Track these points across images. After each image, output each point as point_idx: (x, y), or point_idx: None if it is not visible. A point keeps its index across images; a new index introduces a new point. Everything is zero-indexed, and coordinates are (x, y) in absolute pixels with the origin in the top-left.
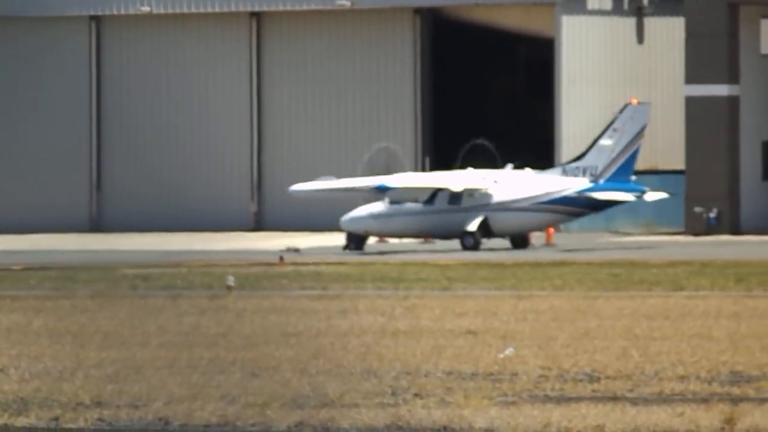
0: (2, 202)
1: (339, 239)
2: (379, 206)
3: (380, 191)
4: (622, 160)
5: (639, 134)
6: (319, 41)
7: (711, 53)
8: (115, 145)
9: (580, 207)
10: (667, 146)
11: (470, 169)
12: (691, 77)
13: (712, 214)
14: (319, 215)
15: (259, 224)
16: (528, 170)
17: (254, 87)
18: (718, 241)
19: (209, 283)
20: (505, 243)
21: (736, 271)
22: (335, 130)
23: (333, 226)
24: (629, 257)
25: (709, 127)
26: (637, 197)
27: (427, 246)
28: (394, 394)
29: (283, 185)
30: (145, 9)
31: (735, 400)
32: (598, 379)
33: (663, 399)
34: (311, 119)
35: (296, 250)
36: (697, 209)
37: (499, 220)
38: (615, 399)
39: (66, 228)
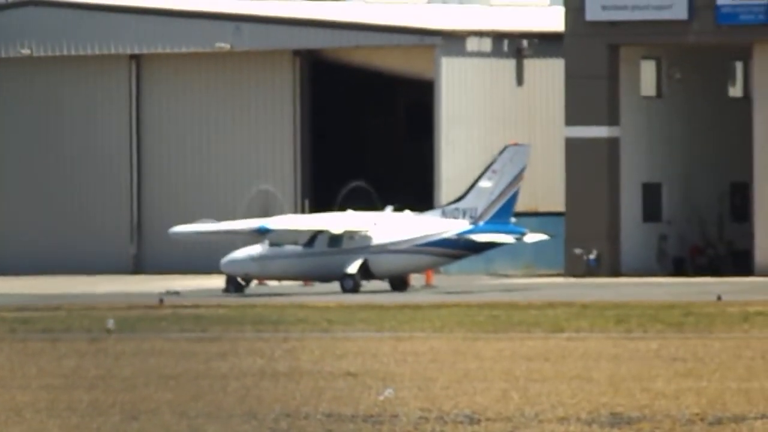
0: None
1: (219, 282)
2: (258, 249)
3: (260, 233)
4: (501, 202)
5: (518, 176)
6: (199, 83)
7: (591, 95)
8: None
9: (459, 249)
10: (546, 188)
11: (350, 212)
12: (570, 119)
13: (592, 256)
14: (199, 258)
15: (138, 267)
16: (407, 212)
17: (134, 129)
18: (598, 282)
19: (89, 326)
20: (385, 285)
21: (616, 313)
22: (215, 173)
23: (213, 269)
24: (509, 299)
25: (589, 168)
26: (517, 239)
27: (307, 288)
28: None
29: (163, 227)
30: (26, 51)
31: None
32: (479, 421)
33: None
34: (191, 161)
35: (176, 293)
36: (577, 251)
37: (378, 263)
38: None
39: None
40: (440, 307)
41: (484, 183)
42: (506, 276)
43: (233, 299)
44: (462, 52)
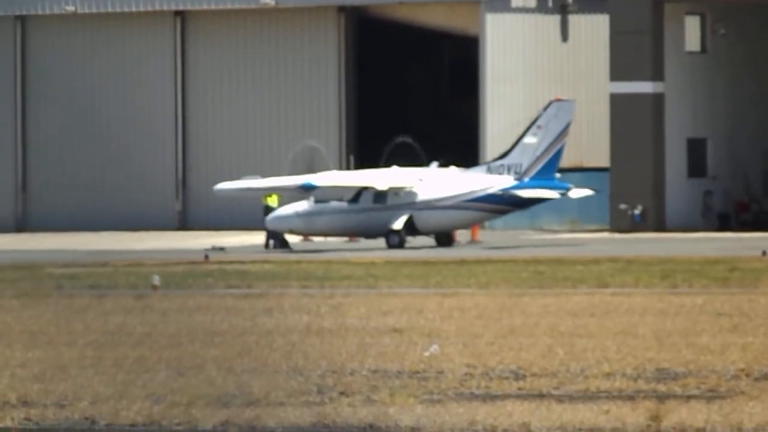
0: None
1: (263, 238)
2: (304, 205)
3: (305, 190)
4: (546, 158)
5: (563, 132)
6: (243, 40)
7: (635, 50)
8: (40, 144)
9: (504, 204)
10: (591, 143)
11: (395, 168)
12: (615, 74)
13: (637, 211)
14: (244, 214)
15: (184, 223)
16: (453, 168)
17: (179, 86)
18: (643, 238)
19: (134, 283)
20: (431, 241)
21: (661, 268)
22: (260, 129)
23: (258, 225)
24: (554, 254)
25: (634, 124)
26: (562, 194)
27: (353, 244)
28: (319, 392)
29: (208, 184)
30: (70, 9)
31: (661, 397)
32: (524, 377)
33: (588, 396)
34: (236, 118)
35: (221, 249)
36: (622, 206)
37: (424, 219)
38: (540, 396)
39: None
40: (485, 262)
41: (529, 139)
42: (551, 231)
43: (279, 255)
44: (507, 8)
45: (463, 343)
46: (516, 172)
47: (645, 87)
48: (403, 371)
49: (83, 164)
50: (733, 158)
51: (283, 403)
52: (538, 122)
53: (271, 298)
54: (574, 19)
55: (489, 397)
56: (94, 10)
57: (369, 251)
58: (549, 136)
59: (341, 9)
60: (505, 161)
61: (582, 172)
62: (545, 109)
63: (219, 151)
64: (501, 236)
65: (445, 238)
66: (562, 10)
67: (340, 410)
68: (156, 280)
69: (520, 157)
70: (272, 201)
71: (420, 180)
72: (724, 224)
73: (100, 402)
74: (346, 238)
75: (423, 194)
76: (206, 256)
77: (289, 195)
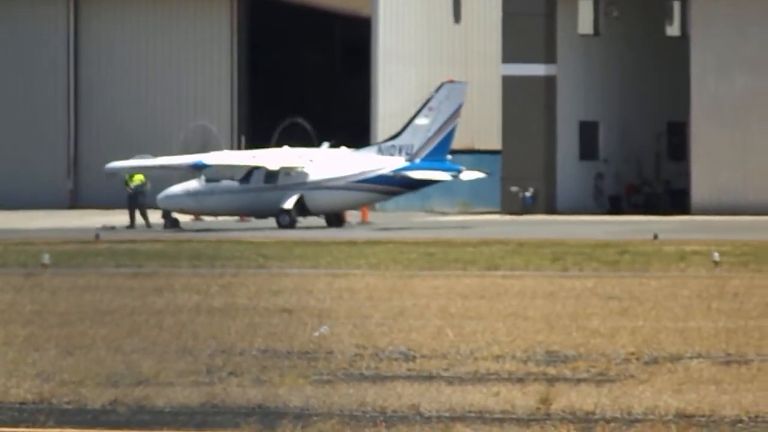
0: None
1: (155, 217)
2: (195, 184)
3: (197, 169)
4: (438, 139)
5: (455, 113)
6: (136, 18)
7: (528, 32)
8: None
9: (395, 186)
10: (483, 126)
11: (286, 148)
12: (507, 56)
13: (528, 194)
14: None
15: (75, 202)
16: (344, 149)
17: (71, 64)
18: (534, 220)
19: (24, 261)
20: (321, 221)
21: (552, 251)
22: (152, 108)
23: (150, 204)
24: (445, 236)
25: (526, 106)
26: (453, 176)
27: (243, 224)
28: (209, 372)
29: (100, 163)
30: None
31: (550, 380)
32: (414, 358)
33: (478, 378)
34: (128, 96)
35: (111, 228)
36: (513, 189)
37: (314, 199)
38: (430, 378)
39: None
40: (376, 243)
41: (421, 120)
42: (442, 213)
43: (169, 234)
44: None
45: (353, 323)
46: (407, 154)
47: (537, 69)
48: (292, 351)
49: None
50: (624, 141)
51: (172, 383)
52: (430, 104)
53: (161, 277)
54: (466, 1)
55: (379, 378)
56: None
57: (260, 231)
58: (440, 117)
59: None
60: (397, 142)
61: (473, 154)
62: (437, 90)
63: (111, 130)
64: (392, 217)
65: (335, 219)
66: None
67: (229, 390)
68: (46, 258)
69: (411, 139)
70: (138, 180)
71: (311, 160)
72: (615, 207)
73: None
74: (237, 218)
75: (314, 174)
76: (97, 236)
77: (180, 174)
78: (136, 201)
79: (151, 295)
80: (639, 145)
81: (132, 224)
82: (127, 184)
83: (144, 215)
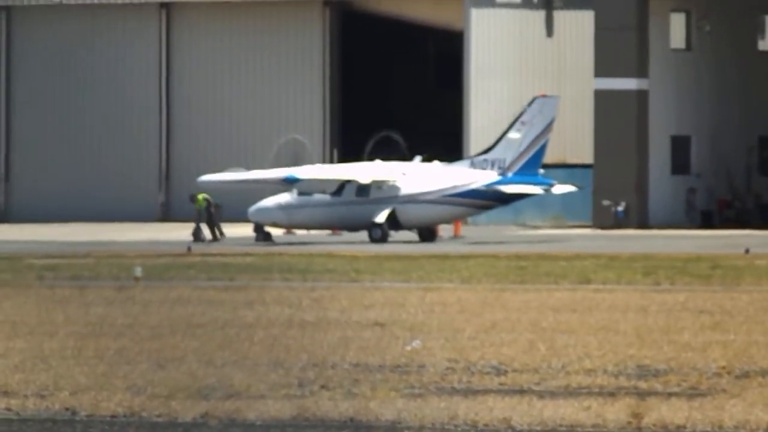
0: None
1: (247, 230)
2: (287, 197)
3: (289, 183)
4: (530, 154)
5: (547, 127)
6: (229, 33)
7: (620, 47)
8: (24, 135)
9: (488, 200)
10: (575, 140)
11: (378, 161)
12: (600, 71)
13: (620, 208)
14: (227, 206)
15: (167, 215)
16: (436, 163)
17: (164, 78)
18: (626, 234)
19: (116, 274)
20: (413, 235)
21: (644, 265)
22: (244, 121)
23: (242, 217)
24: (537, 250)
25: (618, 120)
26: (545, 190)
27: (335, 237)
28: (300, 385)
29: (192, 176)
30: (56, 0)
31: (642, 395)
32: (505, 372)
33: (570, 392)
34: (220, 111)
35: (202, 241)
36: (605, 203)
37: (406, 213)
38: (522, 392)
39: None
40: (468, 257)
41: (513, 134)
42: (534, 227)
43: (261, 247)
44: (491, 3)
45: (445, 337)
46: (499, 168)
47: (629, 84)
48: (384, 365)
49: (67, 155)
50: (716, 155)
51: (263, 396)
52: (522, 118)
53: (253, 290)
54: (559, 15)
55: (470, 392)
56: (80, 2)
57: (352, 245)
58: (533, 131)
59: (326, 2)
60: (489, 156)
61: (565, 168)
62: (529, 104)
63: (203, 144)
64: (484, 231)
65: (427, 233)
66: (547, 6)
67: (320, 404)
68: (138, 271)
69: (503, 153)
70: (201, 200)
71: (403, 174)
72: (707, 222)
73: (81, 393)
74: (328, 231)
75: (406, 188)
76: (189, 248)
77: (272, 188)
78: (211, 215)
79: (243, 309)
80: (730, 160)
81: (215, 237)
82: (198, 204)
83: (212, 228)
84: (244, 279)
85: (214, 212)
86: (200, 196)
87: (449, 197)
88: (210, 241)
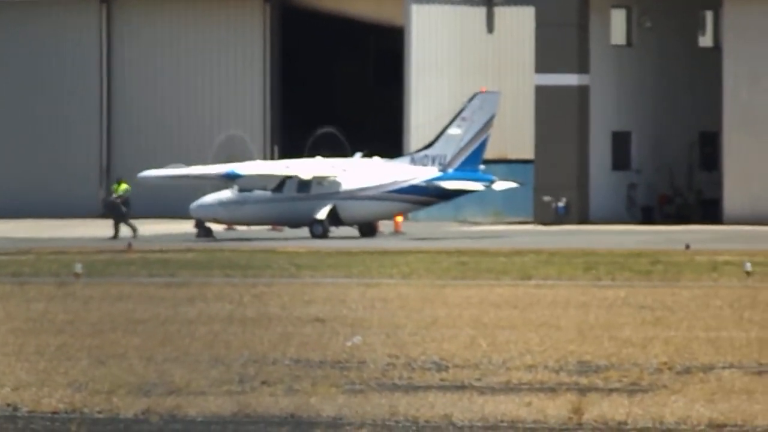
0: None
1: (188, 226)
2: (228, 194)
3: (229, 179)
4: (471, 149)
5: (488, 123)
6: (169, 28)
7: (561, 43)
8: None
9: (428, 196)
10: (516, 135)
11: (319, 158)
12: (540, 66)
13: (561, 204)
14: (168, 202)
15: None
16: (377, 159)
17: (104, 72)
18: (567, 230)
19: (57, 271)
20: (354, 231)
21: (585, 261)
22: (185, 117)
23: (182, 214)
24: (477, 246)
25: (559, 116)
26: (486, 186)
27: (276, 233)
28: (241, 381)
29: (133, 172)
30: None
31: (582, 390)
32: (446, 368)
33: (511, 388)
34: (161, 106)
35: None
36: (546, 198)
37: (347, 209)
38: (462, 388)
39: None
40: (409, 253)
41: (454, 130)
42: (475, 223)
43: (202, 244)
44: (432, 0)
45: (386, 333)
46: (440, 164)
47: (570, 79)
48: (325, 361)
49: (7, 151)
50: (657, 151)
51: (204, 392)
52: (463, 114)
53: (194, 286)
54: (499, 11)
55: (411, 388)
56: None
57: (293, 240)
58: (473, 127)
59: None
60: (430, 152)
61: (506, 164)
62: (470, 100)
63: (144, 139)
64: (424, 227)
65: (368, 229)
66: (488, 2)
67: (261, 400)
68: (79, 268)
69: (444, 149)
70: (123, 189)
71: (344, 170)
72: (647, 217)
73: (22, 389)
74: (269, 227)
75: (347, 184)
76: (129, 245)
77: (213, 184)
78: (119, 210)
79: (184, 305)
80: (671, 156)
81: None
82: (114, 191)
83: (129, 223)
84: (185, 275)
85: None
86: (122, 186)
87: (390, 193)
88: (112, 238)
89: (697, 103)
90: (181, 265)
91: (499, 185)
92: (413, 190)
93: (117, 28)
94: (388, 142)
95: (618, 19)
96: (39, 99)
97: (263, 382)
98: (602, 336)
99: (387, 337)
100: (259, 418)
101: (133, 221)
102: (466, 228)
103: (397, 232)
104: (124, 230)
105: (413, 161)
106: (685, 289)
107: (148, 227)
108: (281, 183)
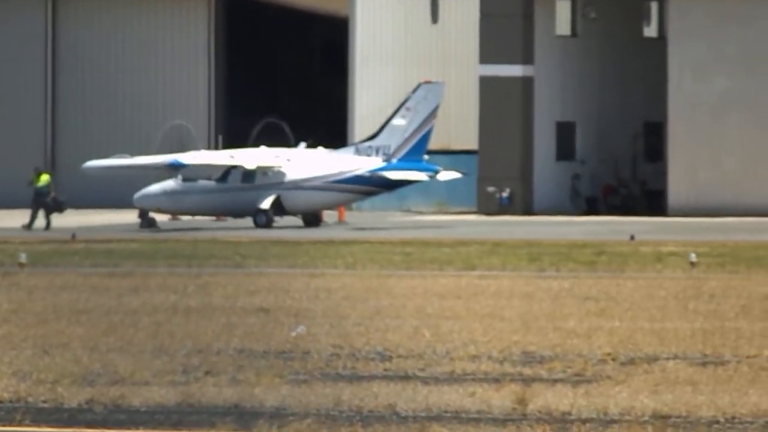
0: None
1: (132, 217)
2: (172, 184)
3: (173, 168)
4: (414, 140)
5: (432, 114)
6: (114, 18)
7: (505, 33)
8: None
9: (372, 186)
10: (460, 126)
11: (263, 148)
12: (485, 57)
13: (505, 194)
14: (113, 193)
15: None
16: (321, 149)
17: (48, 62)
18: (511, 221)
19: (1, 260)
20: (298, 221)
21: (529, 251)
22: (129, 107)
23: (127, 204)
24: (422, 236)
25: (503, 107)
26: (430, 177)
27: (220, 223)
28: (185, 371)
29: (77, 162)
30: None
31: (527, 381)
32: (390, 358)
33: (455, 378)
34: (105, 96)
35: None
36: (490, 189)
37: (291, 198)
38: (407, 378)
39: None
40: (353, 243)
41: (398, 121)
42: (419, 213)
43: (146, 234)
44: None
45: (330, 323)
46: (384, 154)
47: (514, 70)
48: (269, 351)
49: None
50: (602, 142)
51: (148, 382)
52: (407, 104)
53: (138, 277)
54: (443, 2)
55: (355, 378)
56: None
57: (236, 230)
58: (417, 118)
59: None
60: (374, 143)
61: (450, 155)
62: (414, 91)
63: (87, 130)
64: (368, 217)
65: (312, 219)
66: None
67: (205, 390)
68: (23, 257)
69: (388, 139)
70: (44, 180)
71: (288, 160)
72: (592, 208)
73: None
74: (213, 217)
75: (291, 174)
76: (73, 235)
77: (157, 174)
78: (40, 201)
79: (128, 295)
80: (616, 146)
81: (31, 225)
82: (32, 183)
83: (48, 216)
84: (128, 265)
85: (50, 199)
86: (44, 177)
87: (334, 183)
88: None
89: (642, 94)
90: (126, 255)
91: (443, 175)
92: (357, 180)
93: (62, 17)
94: (332, 132)
95: (563, 9)
96: None
97: (207, 373)
98: (546, 327)
99: (331, 327)
100: (203, 408)
101: (51, 215)
102: (409, 218)
103: (341, 221)
104: (40, 222)
105: (358, 152)
106: (629, 280)
107: (93, 218)
108: (225, 173)
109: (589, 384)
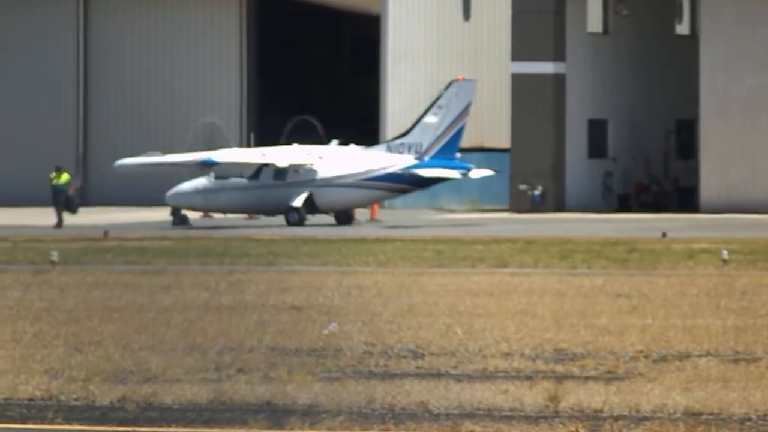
0: None
1: (164, 214)
2: (204, 181)
3: (206, 166)
4: (447, 137)
5: (464, 111)
6: (146, 16)
7: (537, 30)
8: None
9: (404, 184)
10: (492, 124)
11: (295, 145)
12: (517, 54)
13: (537, 192)
14: (145, 190)
15: (84, 199)
16: (353, 147)
17: (81, 60)
18: (543, 218)
19: (33, 258)
20: (330, 219)
21: (561, 249)
22: (161, 105)
23: (159, 202)
24: (454, 234)
25: (535, 104)
26: (462, 174)
27: (252, 221)
28: (217, 369)
29: (109, 160)
30: None
31: (559, 378)
32: (422, 356)
33: (487, 376)
34: (138, 93)
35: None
36: (522, 187)
37: (323, 196)
38: (439, 376)
39: None
40: (385, 241)
41: (430, 118)
42: (451, 211)
43: (178, 231)
44: None
45: (362, 321)
46: (416, 152)
47: (546, 67)
48: (301, 349)
49: None
50: (633, 139)
51: (180, 379)
52: (439, 102)
53: (170, 274)
54: None
55: (387, 376)
56: None
57: (269, 228)
58: (450, 115)
59: None
60: (406, 140)
61: (482, 152)
62: (446, 88)
63: (120, 128)
64: (401, 215)
65: (344, 216)
66: None
67: (237, 387)
68: (55, 255)
69: (420, 137)
70: (63, 179)
71: (320, 158)
72: (623, 205)
73: None
74: (245, 215)
75: (323, 172)
76: (105, 233)
77: (189, 171)
78: (60, 199)
79: (160, 293)
80: (648, 143)
81: (60, 223)
82: (52, 180)
83: (60, 213)
84: (161, 263)
85: (71, 196)
86: (64, 176)
87: (366, 181)
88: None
89: (674, 91)
90: (158, 252)
91: (476, 173)
92: (389, 177)
93: (94, 15)
94: (364, 130)
95: (595, 6)
96: (17, 92)
97: (239, 370)
98: (579, 324)
99: (363, 325)
100: (235, 405)
101: (65, 213)
102: (442, 216)
103: (373, 219)
104: (56, 218)
105: (389, 149)
106: (661, 277)
107: (125, 215)
108: (257, 171)
109: (621, 381)
